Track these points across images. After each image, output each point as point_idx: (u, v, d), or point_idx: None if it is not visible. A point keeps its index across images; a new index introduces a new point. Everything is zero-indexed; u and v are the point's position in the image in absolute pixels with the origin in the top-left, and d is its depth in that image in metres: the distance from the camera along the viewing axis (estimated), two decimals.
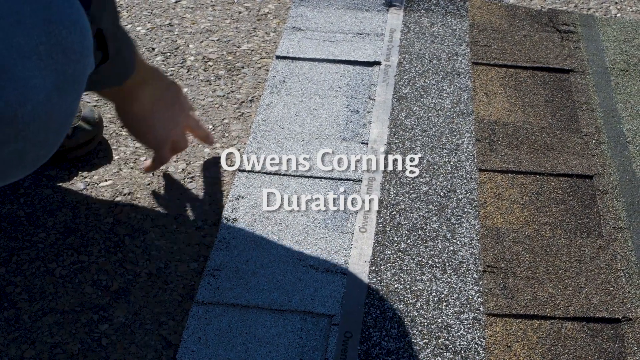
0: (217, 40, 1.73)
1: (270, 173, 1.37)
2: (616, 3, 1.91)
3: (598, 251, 1.27)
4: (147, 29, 1.76)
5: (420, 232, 1.27)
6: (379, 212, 1.30)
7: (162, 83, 1.26)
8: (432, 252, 1.24)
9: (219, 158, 1.41)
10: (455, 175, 1.38)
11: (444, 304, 1.17)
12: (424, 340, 1.12)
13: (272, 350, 1.10)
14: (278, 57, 1.64)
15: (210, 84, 1.59)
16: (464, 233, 1.28)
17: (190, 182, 1.37)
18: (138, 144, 1.44)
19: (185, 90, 1.58)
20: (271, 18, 1.81)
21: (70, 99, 0.82)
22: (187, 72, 1.63)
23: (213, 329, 1.12)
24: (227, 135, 1.47)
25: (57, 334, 1.12)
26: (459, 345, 1.12)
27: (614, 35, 1.78)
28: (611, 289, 1.21)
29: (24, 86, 0.75)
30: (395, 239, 1.26)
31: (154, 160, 1.33)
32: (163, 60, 1.65)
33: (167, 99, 1.26)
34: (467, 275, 1.21)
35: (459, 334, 1.13)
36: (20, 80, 0.74)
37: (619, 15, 1.88)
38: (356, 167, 1.38)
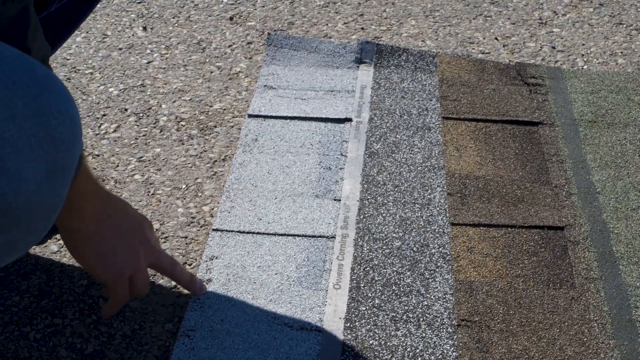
0: (190, 100, 1.74)
1: (243, 232, 1.37)
2: (583, 55, 1.95)
3: (571, 302, 1.28)
4: (120, 90, 1.77)
5: (394, 287, 1.28)
6: (352, 268, 1.31)
7: (117, 205, 1.14)
8: (406, 307, 1.25)
9: (193, 217, 1.42)
10: (428, 229, 1.39)
11: (419, 359, 1.17)
12: None
13: None
14: (250, 116, 1.66)
15: (183, 144, 1.60)
16: (437, 287, 1.28)
17: (164, 242, 1.37)
18: None
19: (158, 150, 1.58)
20: (243, 77, 1.83)
21: (60, 186, 0.83)
22: (160, 132, 1.64)
23: None
24: (200, 194, 1.48)
25: None
26: None
27: (582, 87, 1.80)
28: (585, 339, 1.22)
29: (17, 179, 0.76)
30: (370, 294, 1.27)
31: (109, 302, 1.19)
32: (136, 121, 1.67)
33: (122, 223, 1.12)
34: (441, 330, 1.22)
35: None
36: (14, 172, 0.75)
37: (585, 67, 1.91)
38: (329, 223, 1.39)
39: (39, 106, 0.78)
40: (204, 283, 1.26)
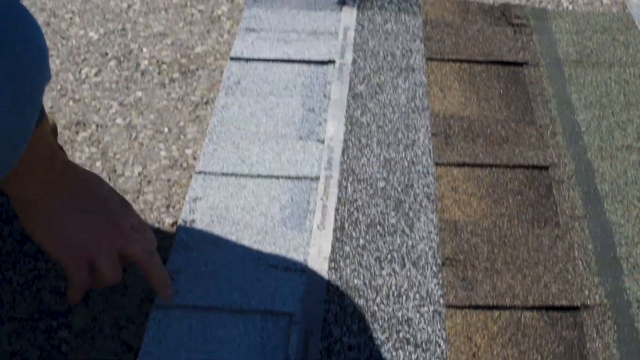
0: (171, 43, 1.72)
1: (227, 174, 1.36)
2: None
3: (556, 240, 1.28)
4: (100, 34, 1.75)
5: (378, 227, 1.28)
6: (336, 209, 1.30)
7: (80, 180, 1.04)
8: (390, 247, 1.25)
9: (175, 161, 1.41)
10: (412, 170, 1.38)
11: (404, 298, 1.17)
12: (385, 335, 1.12)
13: (233, 351, 1.09)
14: (232, 59, 1.64)
15: (164, 87, 1.59)
16: (422, 227, 1.28)
17: (147, 185, 1.36)
18: (94, 149, 1.42)
19: (139, 94, 1.57)
20: (224, 20, 1.81)
21: (28, 114, 0.82)
22: (142, 75, 1.62)
23: (173, 332, 1.12)
24: (182, 137, 1.46)
25: (16, 342, 1.11)
26: (420, 338, 1.12)
27: (566, 27, 1.79)
28: (569, 277, 1.22)
29: None
30: (354, 235, 1.26)
31: (69, 286, 1.05)
32: (117, 65, 1.65)
33: (84, 199, 1.03)
34: (426, 269, 1.21)
35: (420, 327, 1.14)
36: None
37: (570, 7, 1.89)
38: (313, 165, 1.38)
39: (4, 33, 0.76)
40: (172, 291, 1.14)
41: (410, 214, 1.30)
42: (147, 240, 1.07)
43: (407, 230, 1.27)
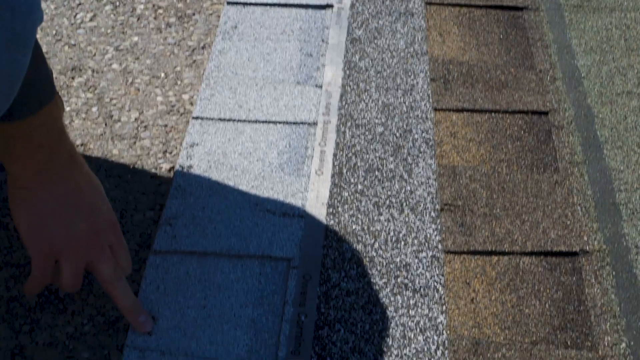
0: None
1: (224, 119, 1.35)
2: None
3: (555, 186, 1.27)
4: None
5: (376, 173, 1.27)
6: (335, 154, 1.29)
7: (85, 177, 1.02)
8: (389, 193, 1.24)
9: (172, 106, 1.40)
10: (411, 115, 1.37)
11: (402, 243, 1.17)
12: (383, 280, 1.12)
13: (232, 296, 1.09)
14: (229, 3, 1.62)
15: (161, 32, 1.57)
16: (420, 172, 1.27)
17: (144, 131, 1.35)
18: (90, 94, 1.41)
19: (135, 39, 1.55)
20: None
21: (20, 55, 0.80)
22: (137, 20, 1.60)
23: (171, 277, 1.11)
24: (179, 83, 1.45)
25: (14, 287, 1.10)
26: (418, 283, 1.12)
27: None
28: (568, 222, 1.22)
29: None
30: (352, 180, 1.25)
31: (30, 277, 1.03)
32: (112, 10, 1.62)
33: (78, 197, 1.00)
34: (424, 214, 1.21)
35: (418, 272, 1.13)
36: None
37: None
38: (311, 110, 1.37)
39: None
40: (150, 319, 1.06)
41: (409, 159, 1.29)
42: (121, 262, 1.04)
43: (405, 176, 1.27)
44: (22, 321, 1.06)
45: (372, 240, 1.17)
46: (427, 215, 1.21)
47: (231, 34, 1.53)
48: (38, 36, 1.48)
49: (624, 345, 1.08)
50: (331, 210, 1.21)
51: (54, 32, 1.55)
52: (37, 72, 0.90)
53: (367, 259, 1.15)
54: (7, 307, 1.08)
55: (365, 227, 1.19)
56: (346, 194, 1.23)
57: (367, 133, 1.33)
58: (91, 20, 1.60)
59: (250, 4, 1.61)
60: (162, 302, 1.08)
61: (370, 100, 1.40)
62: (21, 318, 1.07)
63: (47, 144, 0.96)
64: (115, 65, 1.49)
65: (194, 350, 1.03)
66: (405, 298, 1.10)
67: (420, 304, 1.10)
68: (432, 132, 1.35)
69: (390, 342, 1.05)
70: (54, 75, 1.43)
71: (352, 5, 1.62)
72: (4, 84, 0.80)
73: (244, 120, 1.35)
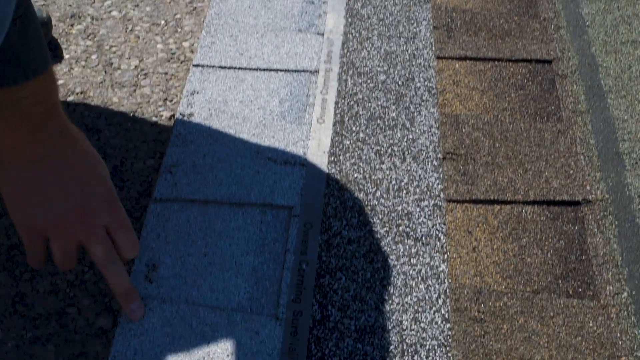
0: None
1: (225, 67, 1.34)
2: None
3: (558, 135, 1.26)
4: None
5: (378, 121, 1.26)
6: (336, 102, 1.28)
7: (78, 153, 0.97)
8: (391, 141, 1.23)
9: (172, 54, 1.38)
10: (413, 63, 1.36)
11: (404, 192, 1.16)
12: (385, 229, 1.12)
13: (233, 244, 1.09)
14: None
15: None
16: (422, 121, 1.26)
17: (144, 78, 1.34)
18: (89, 42, 1.40)
19: None
20: None
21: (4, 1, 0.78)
22: None
23: (172, 225, 1.11)
24: (179, 30, 1.43)
25: (14, 235, 1.10)
26: (420, 232, 1.12)
27: None
28: (571, 172, 1.21)
29: None
30: (354, 129, 1.25)
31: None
32: None
33: (69, 172, 0.96)
34: (426, 163, 1.20)
35: (420, 221, 1.13)
36: None
37: None
38: (312, 58, 1.36)
39: None
40: (142, 307, 1.01)
41: (411, 107, 1.28)
42: (119, 245, 0.98)
43: (407, 124, 1.26)
44: (22, 269, 1.06)
45: (374, 189, 1.16)
46: (429, 164, 1.20)
47: None
48: None
49: (625, 294, 1.08)
50: (333, 158, 1.20)
51: None
52: (26, 41, 0.86)
53: (369, 207, 1.14)
54: (7, 255, 1.08)
55: (367, 176, 1.18)
56: (348, 142, 1.22)
57: (369, 81, 1.32)
58: None
59: None
60: (162, 250, 1.08)
61: (373, 48, 1.38)
62: (22, 266, 1.07)
63: (35, 117, 0.92)
64: (114, 13, 1.47)
65: (195, 298, 1.03)
66: (407, 246, 1.10)
67: (422, 253, 1.09)
68: (435, 80, 1.33)
69: (391, 291, 1.05)
70: (53, 23, 1.42)
71: None
72: None
73: (245, 68, 1.34)
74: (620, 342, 1.03)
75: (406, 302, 1.04)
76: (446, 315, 1.03)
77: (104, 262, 0.96)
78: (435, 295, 1.05)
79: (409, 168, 1.19)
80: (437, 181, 1.18)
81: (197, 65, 1.34)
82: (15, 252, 1.08)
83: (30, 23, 0.86)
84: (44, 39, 0.90)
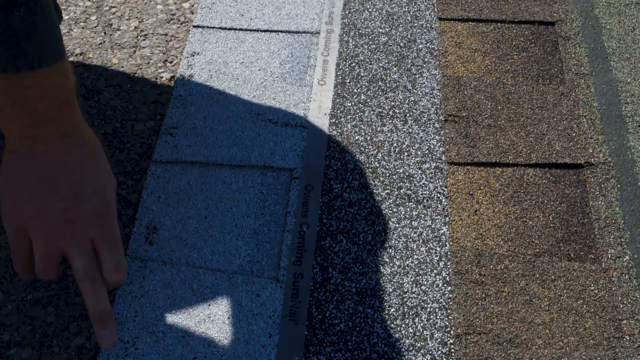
0: None
1: (225, 28, 1.33)
2: None
3: (560, 98, 1.26)
4: None
5: (380, 83, 1.25)
6: (337, 64, 1.27)
7: (81, 151, 0.92)
8: (392, 103, 1.22)
9: (172, 14, 1.37)
10: (415, 24, 1.35)
11: (406, 154, 1.16)
12: (386, 191, 1.11)
13: (233, 206, 1.08)
14: None
15: None
16: (424, 83, 1.26)
17: (144, 40, 1.33)
18: (88, 2, 1.39)
19: None
20: None
21: None
22: None
23: (172, 187, 1.11)
24: None
25: None
26: (421, 194, 1.11)
27: None
28: (573, 135, 1.21)
29: None
30: (355, 90, 1.24)
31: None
32: None
33: (64, 172, 0.91)
34: (428, 125, 1.20)
35: (421, 183, 1.13)
36: None
37: None
38: (314, 19, 1.35)
39: None
40: (114, 335, 0.92)
41: (413, 69, 1.28)
42: (104, 261, 0.91)
43: (409, 86, 1.25)
44: None
45: (375, 151, 1.16)
46: (431, 126, 1.19)
47: None
48: None
49: (627, 257, 1.07)
50: (334, 120, 1.19)
51: None
52: (33, 29, 0.82)
53: (370, 170, 1.14)
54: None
55: (368, 138, 1.17)
56: (349, 104, 1.22)
57: (370, 43, 1.31)
58: None
59: None
60: (163, 212, 1.07)
61: (374, 9, 1.37)
62: None
63: (39, 111, 0.88)
64: None
65: (196, 260, 1.03)
66: (408, 209, 1.10)
67: (423, 215, 1.09)
68: (437, 42, 1.32)
69: (392, 253, 1.05)
70: None
71: None
72: None
73: (246, 29, 1.33)
74: (621, 306, 1.03)
75: (407, 265, 1.04)
76: (447, 278, 1.03)
77: (82, 277, 0.90)
78: (436, 258, 1.05)
79: (410, 130, 1.19)
80: (439, 144, 1.17)
81: (198, 27, 1.33)
82: None
83: (39, 12, 0.83)
84: (58, 31, 0.86)
